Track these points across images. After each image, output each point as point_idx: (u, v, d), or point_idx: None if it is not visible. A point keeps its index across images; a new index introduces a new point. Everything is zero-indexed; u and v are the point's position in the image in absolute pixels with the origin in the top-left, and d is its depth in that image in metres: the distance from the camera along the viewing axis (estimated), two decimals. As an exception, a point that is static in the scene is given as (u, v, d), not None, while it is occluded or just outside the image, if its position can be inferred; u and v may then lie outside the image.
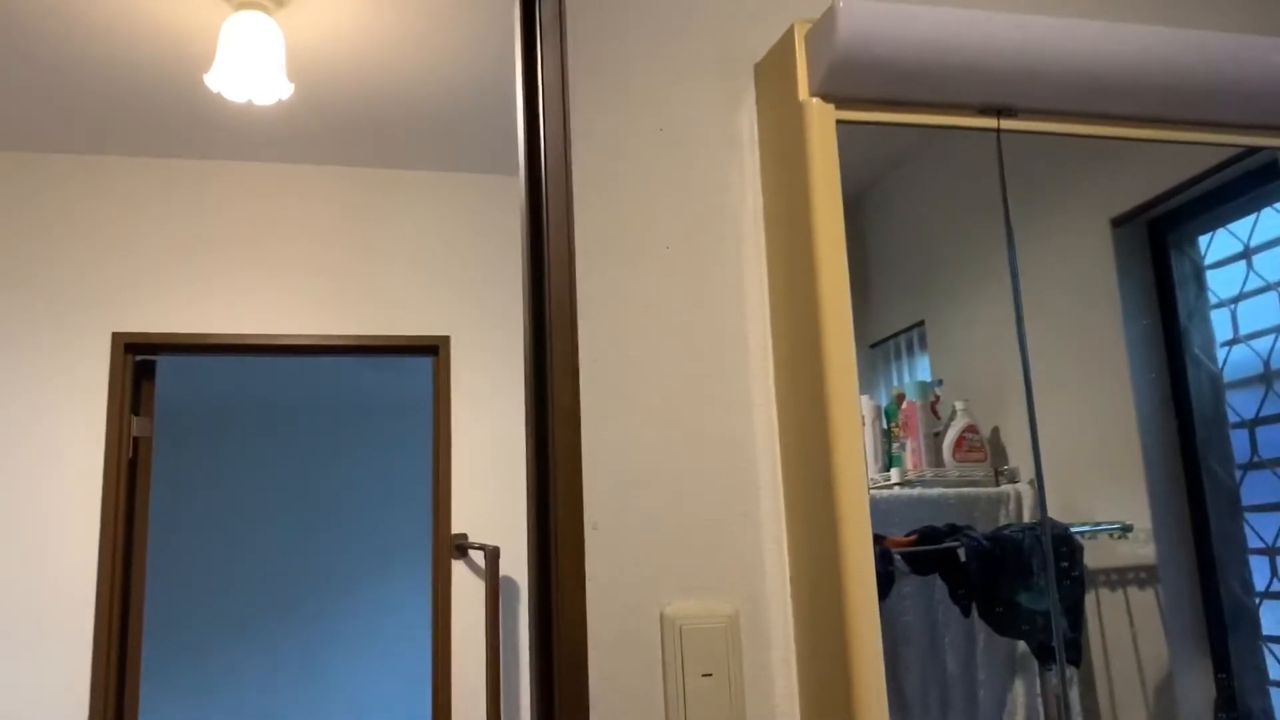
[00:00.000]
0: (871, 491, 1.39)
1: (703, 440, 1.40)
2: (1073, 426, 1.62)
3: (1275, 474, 1.67)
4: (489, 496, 4.22)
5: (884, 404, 1.70)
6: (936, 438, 1.65)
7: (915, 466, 1.63)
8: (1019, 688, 1.55)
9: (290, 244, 4.23)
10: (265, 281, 4.18)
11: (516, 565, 4.16)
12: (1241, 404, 1.69)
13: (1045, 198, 1.64)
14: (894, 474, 1.64)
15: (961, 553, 1.53)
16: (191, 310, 4.08)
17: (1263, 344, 1.68)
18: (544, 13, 1.45)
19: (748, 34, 1.52)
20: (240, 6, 2.97)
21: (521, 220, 1.46)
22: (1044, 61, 1.43)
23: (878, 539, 1.33)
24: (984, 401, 1.65)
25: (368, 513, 6.93)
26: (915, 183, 1.73)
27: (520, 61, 1.49)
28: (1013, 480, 1.61)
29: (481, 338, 4.33)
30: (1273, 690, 1.64)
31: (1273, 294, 1.69)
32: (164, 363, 4.13)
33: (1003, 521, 1.59)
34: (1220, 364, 1.71)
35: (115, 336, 3.98)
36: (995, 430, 1.64)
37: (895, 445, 1.66)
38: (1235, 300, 1.71)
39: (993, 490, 1.62)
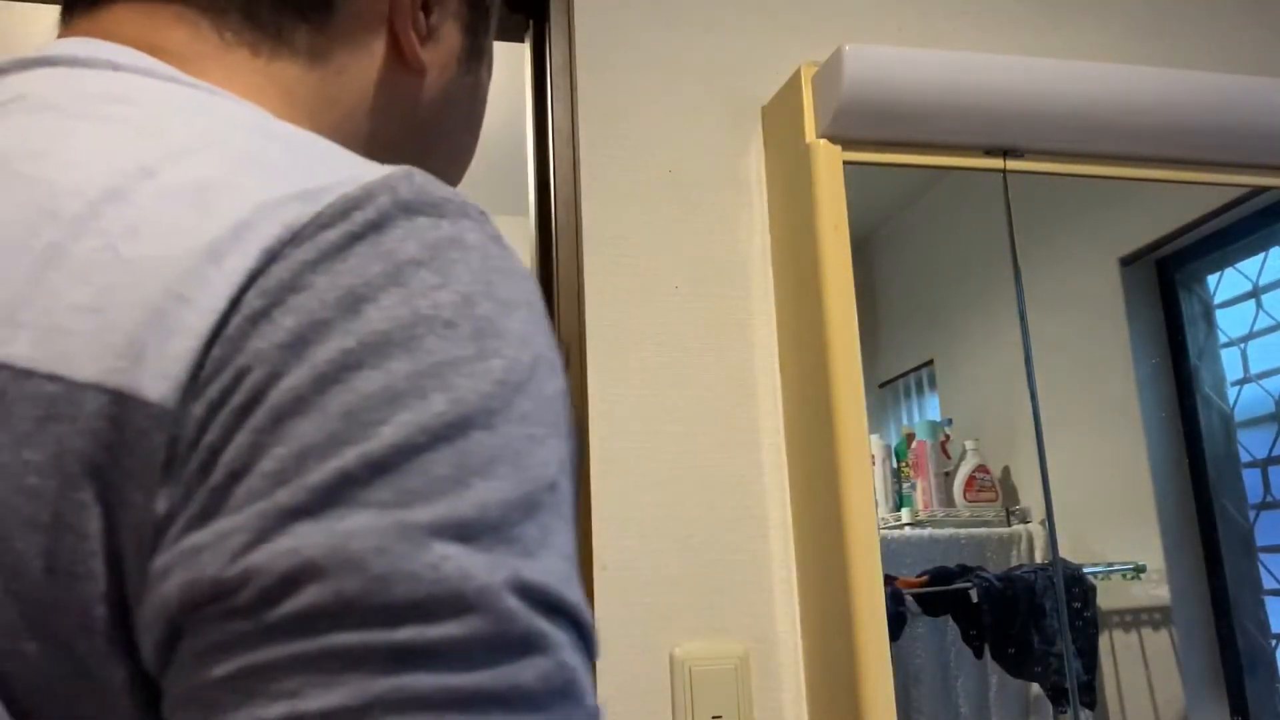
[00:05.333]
0: (882, 531, 1.38)
1: (712, 481, 1.40)
2: (1084, 466, 1.62)
3: (1289, 514, 1.66)
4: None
5: (894, 443, 1.70)
6: (947, 477, 1.64)
7: (926, 506, 1.62)
8: (1033, 731, 1.53)
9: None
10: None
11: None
12: (1254, 443, 1.69)
13: (1053, 237, 1.65)
14: (904, 514, 1.64)
15: (974, 594, 1.52)
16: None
17: (1274, 383, 1.68)
18: (554, 58, 1.47)
19: (755, 77, 1.54)
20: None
21: (531, 261, 1.47)
22: (1049, 103, 1.44)
23: (888, 579, 1.32)
24: (994, 441, 1.64)
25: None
26: (923, 223, 1.74)
27: (530, 105, 1.51)
28: (1024, 520, 1.60)
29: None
30: (1291, 734, 1.62)
31: (1283, 333, 1.69)
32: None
33: (1015, 562, 1.58)
34: (1231, 403, 1.70)
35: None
36: (1006, 470, 1.63)
37: (905, 485, 1.65)
38: (1245, 339, 1.71)
39: (1004, 530, 1.61)
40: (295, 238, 0.32)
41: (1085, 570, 1.57)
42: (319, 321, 0.31)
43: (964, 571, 1.54)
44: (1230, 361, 1.71)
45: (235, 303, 0.31)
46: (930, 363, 1.70)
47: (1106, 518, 1.66)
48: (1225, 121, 1.52)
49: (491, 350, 0.33)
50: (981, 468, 1.63)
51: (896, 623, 1.40)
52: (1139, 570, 1.62)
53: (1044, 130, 1.46)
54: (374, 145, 0.46)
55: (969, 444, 1.64)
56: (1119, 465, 1.69)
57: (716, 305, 1.46)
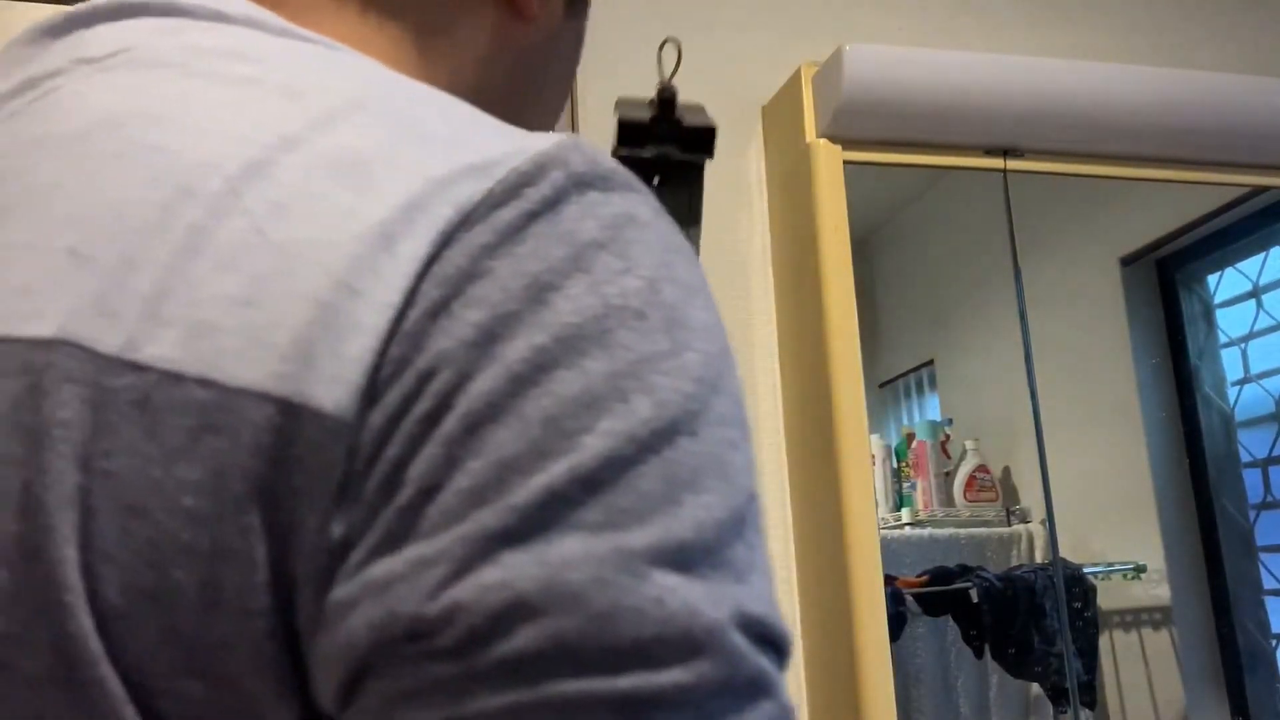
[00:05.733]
0: (882, 531, 1.38)
1: (712, 480, 1.39)
2: (1084, 466, 1.62)
3: (1289, 514, 1.66)
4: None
5: (894, 443, 1.69)
6: (947, 477, 1.64)
7: (926, 506, 1.62)
8: (1033, 731, 1.53)
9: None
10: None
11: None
12: (1254, 443, 1.69)
13: (1053, 237, 1.65)
14: (904, 514, 1.64)
15: (974, 594, 1.52)
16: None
17: (1274, 383, 1.68)
18: (554, 57, 1.46)
19: (755, 77, 1.53)
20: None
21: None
22: (1049, 103, 1.44)
23: (889, 579, 1.32)
24: (994, 441, 1.64)
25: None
26: (924, 223, 1.74)
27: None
28: (1024, 520, 1.60)
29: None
30: (1291, 734, 1.62)
31: (1283, 333, 1.69)
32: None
33: (1015, 562, 1.58)
34: (1232, 403, 1.70)
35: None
36: (1006, 470, 1.63)
37: (905, 485, 1.65)
38: (1246, 339, 1.71)
39: (1004, 530, 1.61)
40: (468, 219, 0.29)
41: (1085, 570, 1.57)
42: (506, 315, 0.28)
43: (964, 571, 1.54)
44: (1230, 361, 1.71)
45: (411, 294, 0.28)
46: (930, 363, 1.70)
47: (1107, 517, 1.66)
48: (1225, 121, 1.51)
49: (684, 343, 0.29)
50: (981, 468, 1.63)
51: (896, 623, 1.40)
52: (1139, 570, 1.62)
53: (1044, 130, 1.46)
54: (480, 97, 0.41)
55: (969, 444, 1.64)
56: (1119, 465, 1.68)
57: (717, 305, 1.45)
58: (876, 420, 1.64)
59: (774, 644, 0.28)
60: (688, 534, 0.27)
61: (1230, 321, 1.72)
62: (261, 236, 0.28)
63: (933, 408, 1.71)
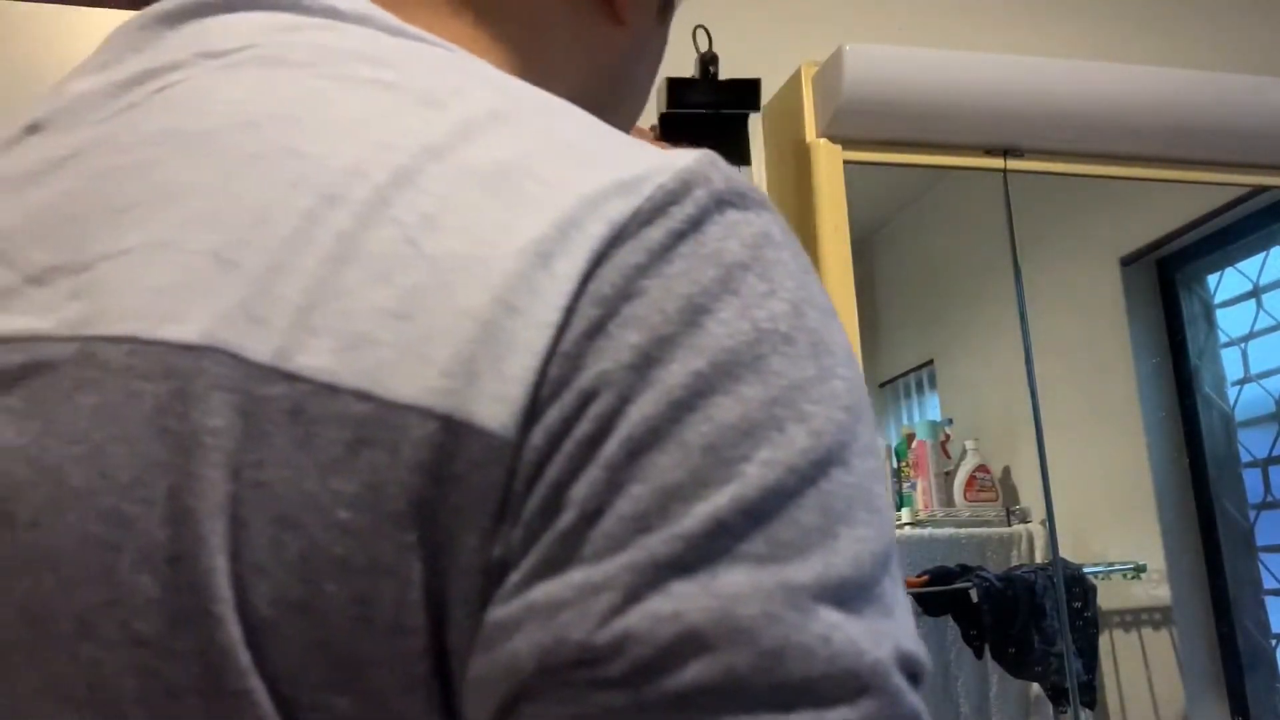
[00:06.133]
0: (882, 531, 1.38)
1: (712, 480, 1.39)
2: (1084, 466, 1.62)
3: (1289, 514, 1.66)
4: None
5: (894, 443, 1.69)
6: (947, 477, 1.64)
7: (926, 506, 1.62)
8: (1033, 731, 1.53)
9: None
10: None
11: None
12: (1254, 443, 1.69)
13: (1054, 237, 1.64)
14: (904, 514, 1.64)
15: (974, 593, 1.52)
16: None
17: (1274, 383, 1.68)
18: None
19: (755, 76, 1.53)
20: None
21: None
22: (1050, 102, 1.44)
23: (889, 579, 1.32)
24: (994, 441, 1.64)
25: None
26: (924, 223, 1.74)
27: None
28: (1024, 520, 1.60)
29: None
30: (1291, 734, 1.61)
31: (1283, 332, 1.69)
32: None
33: (1015, 562, 1.58)
34: (1232, 403, 1.70)
35: None
36: (1006, 470, 1.63)
37: (905, 485, 1.65)
38: (1246, 339, 1.71)
39: (1004, 530, 1.61)
40: (618, 236, 0.28)
41: (1085, 570, 1.57)
42: (663, 338, 0.27)
43: (964, 571, 1.54)
44: (1230, 361, 1.71)
45: (569, 314, 0.27)
46: (930, 363, 1.70)
47: (1107, 517, 1.66)
48: (1226, 121, 1.51)
49: (829, 370, 0.29)
50: (982, 467, 1.63)
51: (897, 623, 1.40)
52: (1139, 570, 1.62)
53: (1045, 130, 1.46)
54: (574, 103, 0.40)
55: (969, 444, 1.63)
56: (1119, 465, 1.68)
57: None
58: (876, 420, 1.64)
59: (919, 679, 0.28)
60: (847, 569, 0.27)
61: (1230, 321, 1.72)
62: (413, 248, 0.28)
63: (933, 408, 1.71)
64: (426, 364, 0.27)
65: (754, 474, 0.26)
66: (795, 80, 1.43)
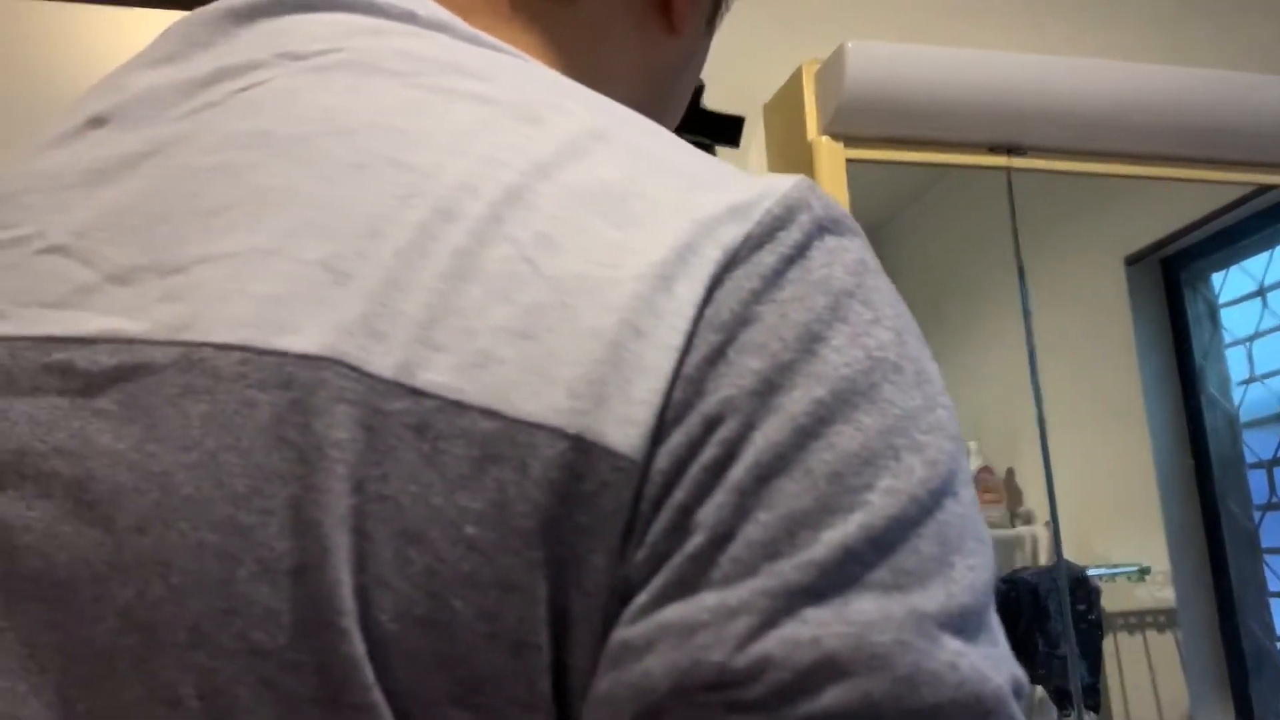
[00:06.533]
0: (884, 533, 1.37)
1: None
2: (1088, 467, 1.61)
3: (1295, 515, 1.65)
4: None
5: (896, 444, 1.68)
6: (950, 478, 1.63)
7: (928, 508, 1.61)
8: (1037, 734, 1.52)
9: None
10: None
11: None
12: (1259, 444, 1.68)
13: (1057, 236, 1.63)
14: (907, 515, 1.62)
15: (976, 596, 1.51)
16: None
17: (1279, 383, 1.67)
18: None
19: (756, 74, 1.52)
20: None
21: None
22: (1053, 100, 1.43)
23: (891, 582, 1.31)
24: (998, 442, 1.63)
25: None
26: (926, 221, 1.73)
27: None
28: (1028, 522, 1.59)
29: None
30: (1297, 737, 1.61)
31: (1289, 332, 1.68)
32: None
33: (1018, 564, 1.57)
34: (1237, 403, 1.69)
35: None
36: (1010, 471, 1.62)
37: (908, 486, 1.64)
38: (1251, 339, 1.70)
39: (1008, 532, 1.60)
40: (731, 261, 0.29)
41: (1089, 572, 1.56)
42: (783, 364, 0.28)
43: (967, 573, 1.53)
44: (1235, 361, 1.70)
45: (690, 337, 0.28)
46: (933, 362, 1.69)
47: (1111, 519, 1.65)
48: (1231, 119, 1.51)
49: (933, 399, 0.30)
50: (985, 469, 1.62)
51: (899, 625, 1.39)
52: (1143, 572, 1.61)
53: (1048, 128, 1.45)
54: None
55: (972, 445, 1.62)
56: (1123, 466, 1.68)
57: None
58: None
59: (1021, 702, 0.29)
60: (965, 598, 0.28)
61: (1235, 321, 1.71)
62: (531, 267, 0.28)
63: (935, 408, 1.70)
64: (552, 383, 0.27)
65: (878, 503, 0.27)
66: (797, 78, 1.43)
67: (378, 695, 0.26)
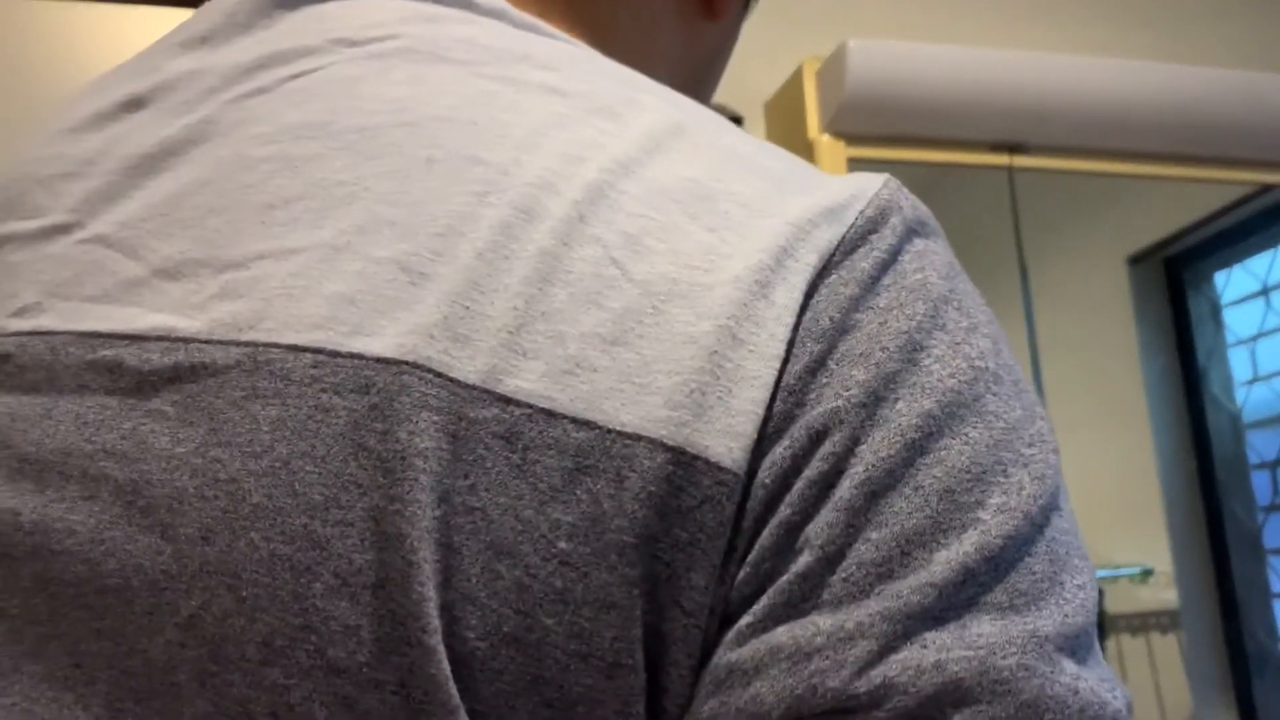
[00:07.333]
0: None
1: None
2: (1090, 468, 1.60)
3: (1299, 516, 1.64)
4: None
5: (897, 444, 1.68)
6: (951, 479, 1.63)
7: (930, 508, 1.61)
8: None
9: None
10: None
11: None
12: (1263, 444, 1.67)
13: (1060, 235, 1.63)
14: (908, 516, 1.62)
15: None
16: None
17: (1283, 383, 1.66)
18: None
19: (757, 73, 1.52)
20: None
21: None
22: (1056, 99, 1.42)
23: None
24: (999, 442, 1.63)
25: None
26: (927, 221, 1.72)
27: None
28: (1030, 523, 1.59)
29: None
30: (1300, 739, 1.60)
31: (1292, 332, 1.67)
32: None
33: (1020, 565, 1.57)
34: (1240, 404, 1.68)
35: None
36: (1011, 471, 1.62)
37: (909, 487, 1.64)
38: (1254, 339, 1.69)
39: (1009, 533, 1.59)
40: (827, 265, 0.28)
41: (1092, 573, 1.56)
42: (888, 375, 0.27)
43: (969, 574, 1.53)
44: (1239, 361, 1.69)
45: (790, 346, 0.27)
46: (934, 362, 1.69)
47: (1113, 520, 1.64)
48: (1234, 118, 1.50)
49: (1032, 410, 0.29)
50: (987, 469, 1.61)
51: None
52: (1146, 574, 1.61)
53: (1051, 126, 1.44)
54: None
55: (974, 445, 1.62)
56: (1126, 467, 1.67)
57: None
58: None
59: None
60: (1078, 618, 0.27)
61: (1239, 321, 1.71)
62: (620, 270, 0.27)
63: (937, 408, 1.69)
64: (648, 392, 0.26)
65: (991, 521, 0.26)
66: (798, 76, 1.42)
67: (462, 717, 0.25)
